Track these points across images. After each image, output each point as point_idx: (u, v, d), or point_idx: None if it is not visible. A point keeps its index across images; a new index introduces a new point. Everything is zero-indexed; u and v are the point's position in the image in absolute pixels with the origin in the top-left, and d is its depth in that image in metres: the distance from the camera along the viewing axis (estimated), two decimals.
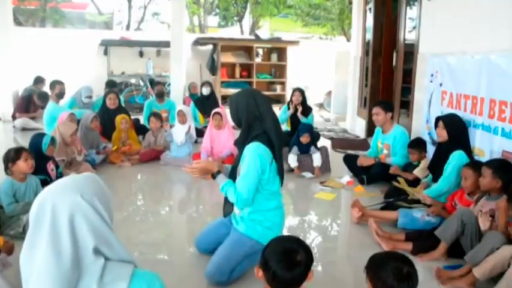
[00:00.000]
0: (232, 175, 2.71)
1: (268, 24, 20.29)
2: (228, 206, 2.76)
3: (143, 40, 10.71)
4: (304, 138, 5.09)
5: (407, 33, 5.92)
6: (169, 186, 5.16)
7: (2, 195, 3.33)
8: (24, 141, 5.39)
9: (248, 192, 2.52)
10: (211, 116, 5.49)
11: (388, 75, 6.88)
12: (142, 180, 5.27)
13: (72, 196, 1.28)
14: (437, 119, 3.73)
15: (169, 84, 9.22)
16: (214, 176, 2.65)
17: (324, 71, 12.15)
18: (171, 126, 5.97)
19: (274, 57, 12.08)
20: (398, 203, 3.77)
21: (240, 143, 2.65)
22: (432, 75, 4.57)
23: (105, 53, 10.36)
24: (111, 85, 7.98)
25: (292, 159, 5.10)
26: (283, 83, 12.03)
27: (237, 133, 5.74)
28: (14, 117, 7.89)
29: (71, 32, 10.98)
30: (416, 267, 1.76)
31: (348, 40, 16.58)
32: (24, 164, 3.35)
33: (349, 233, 3.55)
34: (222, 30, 20.10)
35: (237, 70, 11.66)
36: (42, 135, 4.03)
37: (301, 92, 6.96)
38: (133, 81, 10.29)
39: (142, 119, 7.43)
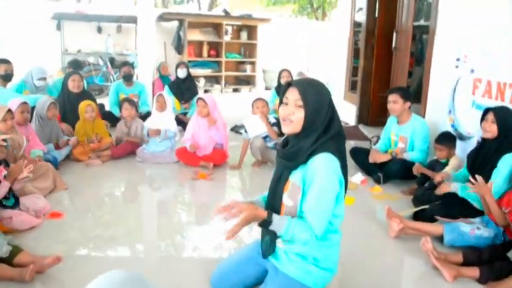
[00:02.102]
0: (272, 200, 1.96)
1: (227, 1, 19.23)
2: (268, 240, 1.96)
3: (101, 14, 9.53)
4: None
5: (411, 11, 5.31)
6: (152, 190, 4.18)
7: None
8: None
9: (325, 224, 1.83)
10: (196, 102, 4.73)
11: (383, 58, 6.32)
12: (118, 182, 4.33)
13: None
14: (486, 111, 3.15)
15: (132, 63, 8.19)
16: (266, 223, 1.82)
17: (297, 51, 11.50)
18: (144, 116, 5.10)
19: (244, 35, 11.27)
20: (435, 214, 3.22)
21: (304, 150, 1.81)
22: (458, 59, 3.99)
23: (58, 28, 9.13)
24: (75, 66, 6.90)
25: None
26: (253, 63, 11.28)
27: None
28: None
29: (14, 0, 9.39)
30: None
31: (317, 19, 15.99)
32: None
33: (394, 252, 2.90)
34: (177, 7, 18.81)
35: (205, 49, 10.75)
36: None
37: (289, 72, 6.43)
38: (91, 60, 9.17)
39: (106, 104, 6.48)
